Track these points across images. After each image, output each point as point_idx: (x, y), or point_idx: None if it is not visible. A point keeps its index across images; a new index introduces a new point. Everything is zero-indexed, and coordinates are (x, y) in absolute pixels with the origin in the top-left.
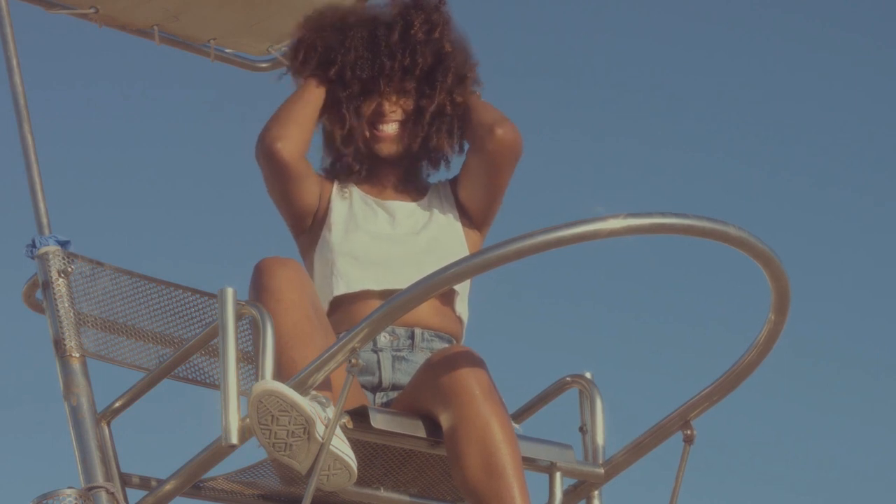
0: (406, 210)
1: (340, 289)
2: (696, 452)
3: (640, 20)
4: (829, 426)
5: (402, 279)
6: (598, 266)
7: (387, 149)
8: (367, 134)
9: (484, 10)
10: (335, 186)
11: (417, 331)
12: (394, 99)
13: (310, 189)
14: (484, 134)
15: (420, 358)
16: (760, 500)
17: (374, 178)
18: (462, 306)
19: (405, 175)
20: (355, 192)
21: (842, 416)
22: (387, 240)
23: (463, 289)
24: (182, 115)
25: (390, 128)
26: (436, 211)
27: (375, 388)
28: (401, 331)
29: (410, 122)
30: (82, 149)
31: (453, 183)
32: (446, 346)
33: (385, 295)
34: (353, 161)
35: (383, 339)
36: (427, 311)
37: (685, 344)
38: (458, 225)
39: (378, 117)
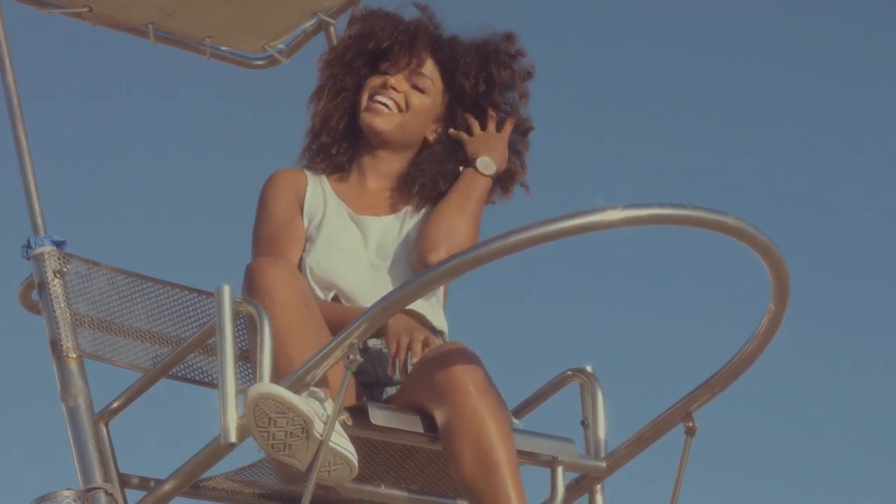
0: (379, 227)
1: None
2: (698, 445)
3: (639, 18)
4: (831, 420)
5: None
6: (596, 259)
7: (378, 123)
8: (364, 102)
9: (482, 7)
10: (309, 183)
11: None
12: (402, 79)
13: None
14: (419, 254)
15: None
16: (763, 493)
17: (353, 183)
18: (437, 318)
19: (389, 183)
20: (329, 195)
21: (845, 411)
22: (356, 262)
23: (434, 305)
24: (178, 113)
25: (389, 102)
26: (408, 233)
27: (373, 386)
28: None
29: (419, 115)
30: (76, 149)
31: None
32: (433, 337)
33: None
34: (335, 143)
35: (370, 340)
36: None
37: (685, 336)
38: None
39: (382, 90)
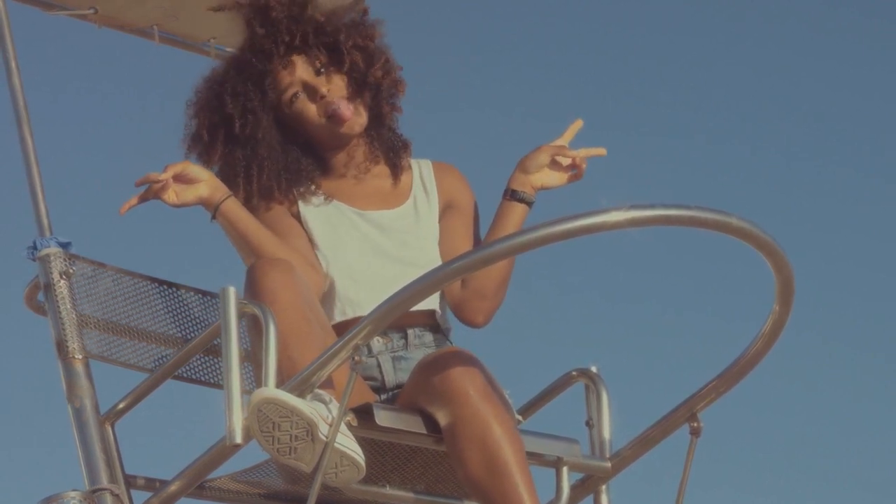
0: (393, 222)
1: (336, 317)
2: (703, 445)
3: (639, 12)
4: (835, 419)
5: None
6: (602, 258)
7: (356, 125)
8: (322, 119)
9: (480, 4)
10: (298, 200)
11: (409, 330)
12: (323, 73)
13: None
14: (456, 306)
15: (418, 354)
16: (767, 493)
17: (345, 186)
18: (443, 317)
19: (379, 174)
20: (326, 199)
21: (851, 409)
22: (375, 258)
23: (442, 304)
24: (180, 113)
25: (342, 102)
26: (421, 221)
27: (379, 390)
28: (393, 333)
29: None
30: (82, 149)
31: (443, 188)
32: (440, 337)
33: None
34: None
35: (377, 343)
36: (414, 309)
37: (691, 336)
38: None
39: (323, 96)
